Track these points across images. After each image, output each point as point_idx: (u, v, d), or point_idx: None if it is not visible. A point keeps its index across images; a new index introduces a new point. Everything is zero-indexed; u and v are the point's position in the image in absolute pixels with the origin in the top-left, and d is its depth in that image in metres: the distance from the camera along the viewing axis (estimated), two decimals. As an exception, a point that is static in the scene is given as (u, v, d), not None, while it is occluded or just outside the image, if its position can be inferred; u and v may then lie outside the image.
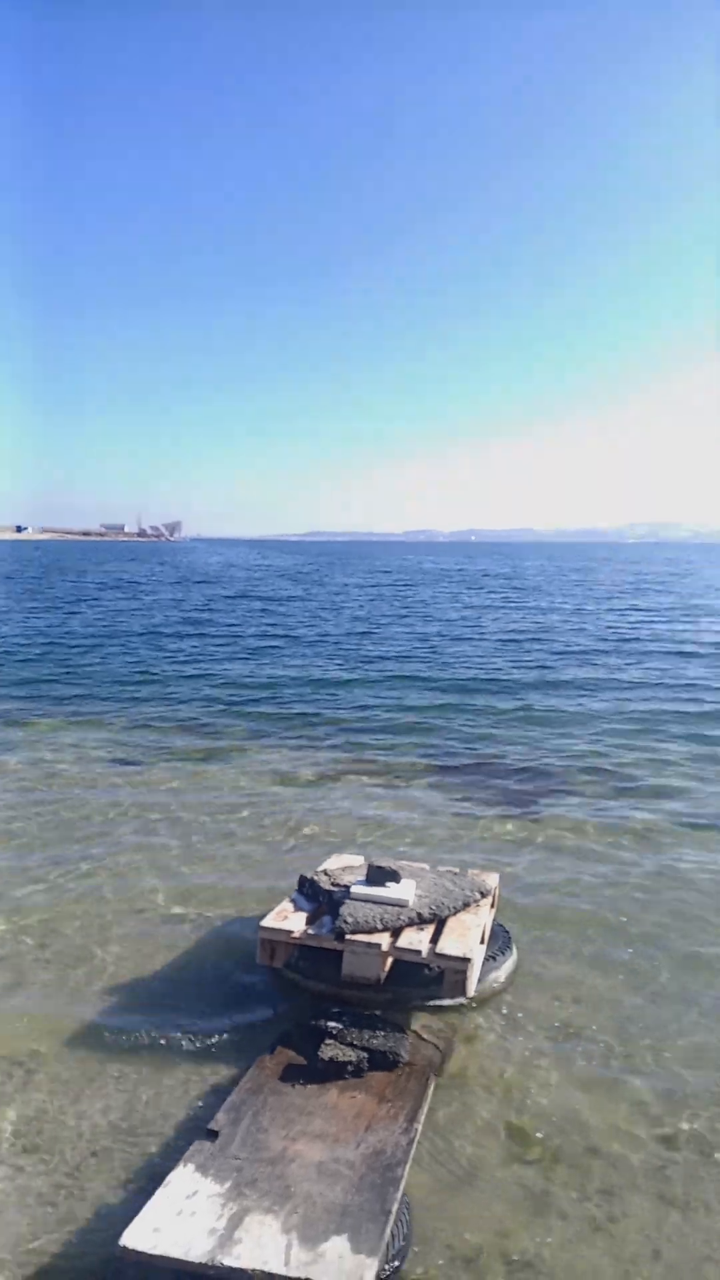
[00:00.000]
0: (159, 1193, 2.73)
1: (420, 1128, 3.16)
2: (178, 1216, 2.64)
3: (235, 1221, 2.63)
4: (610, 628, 22.27)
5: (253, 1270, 2.43)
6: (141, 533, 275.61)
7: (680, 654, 17.22)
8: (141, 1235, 2.55)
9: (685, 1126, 3.38)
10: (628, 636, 20.22)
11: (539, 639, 19.51)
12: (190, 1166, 2.88)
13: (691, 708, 11.63)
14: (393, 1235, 2.67)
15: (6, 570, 54.64)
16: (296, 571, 54.30)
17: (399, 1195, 2.79)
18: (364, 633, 20.45)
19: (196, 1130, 3.17)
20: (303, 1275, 2.42)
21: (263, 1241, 2.55)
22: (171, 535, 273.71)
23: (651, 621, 24.00)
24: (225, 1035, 3.94)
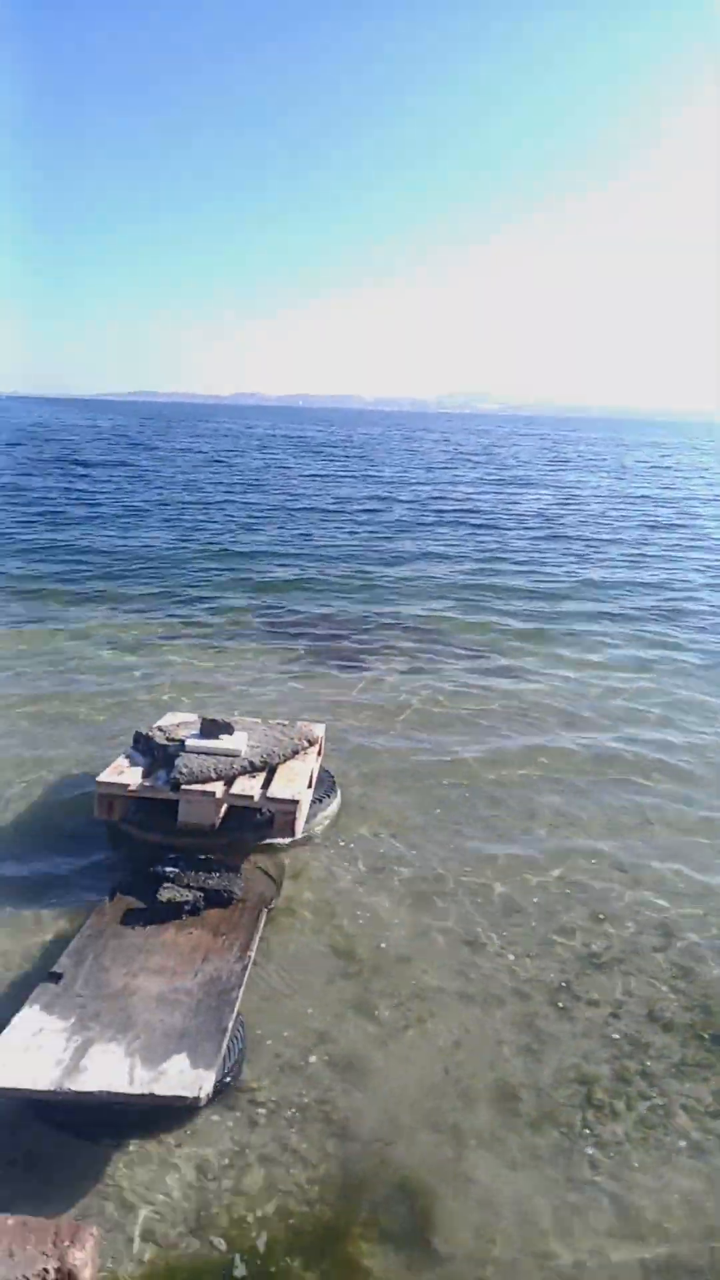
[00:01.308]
0: (5, 1033, 2.75)
1: (253, 955, 3.31)
2: (24, 1052, 2.67)
3: (80, 1052, 2.69)
4: (436, 498, 22.67)
5: (98, 1092, 2.52)
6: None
7: (496, 525, 17.83)
8: (-12, 1072, 2.57)
9: (486, 934, 3.72)
10: (453, 508, 20.66)
11: (374, 510, 19.58)
12: (35, 1007, 2.91)
13: (520, 581, 12.05)
14: (228, 1050, 2.82)
15: None
16: (120, 436, 51.46)
17: (234, 1015, 2.93)
18: (196, 503, 19.82)
19: (41, 977, 3.18)
20: (146, 1091, 2.53)
21: (108, 1067, 2.63)
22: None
23: (477, 494, 24.60)
24: (65, 889, 3.93)
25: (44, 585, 10.12)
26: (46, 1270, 2.06)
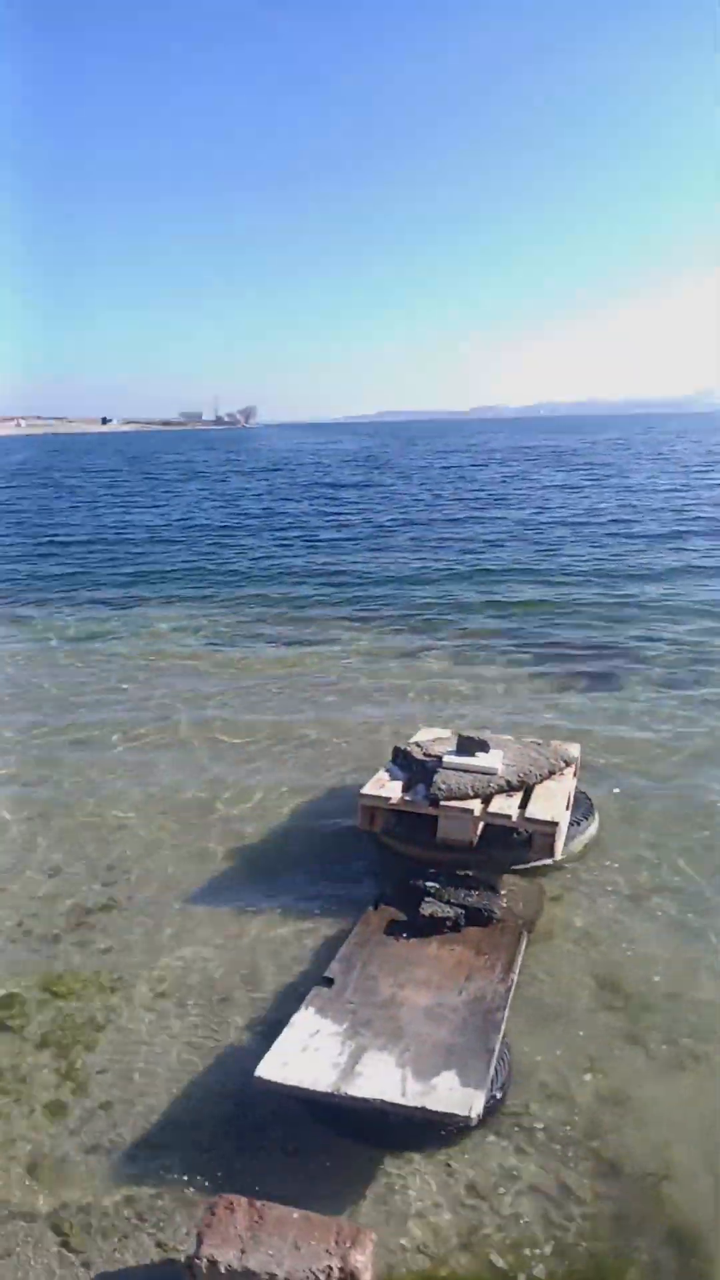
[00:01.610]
0: (285, 1032, 2.92)
1: (516, 977, 3.28)
2: (303, 1052, 2.82)
3: (355, 1057, 2.80)
4: (690, 505, 21.47)
5: (374, 1099, 2.61)
6: (218, 420, 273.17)
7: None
8: (273, 1068, 2.74)
9: (765, 977, 3.45)
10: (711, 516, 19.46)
11: (620, 520, 18.88)
12: (311, 1010, 3.06)
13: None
14: (495, 1071, 2.81)
15: (89, 463, 55.02)
16: (365, 456, 53.32)
17: (500, 1036, 2.92)
18: (442, 520, 20.08)
19: (310, 979, 3.35)
20: (418, 1105, 2.59)
21: (380, 1075, 2.72)
22: (246, 421, 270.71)
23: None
24: (330, 895, 4.12)
25: (301, 609, 10.70)
26: (330, 1268, 2.15)
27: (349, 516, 20.27)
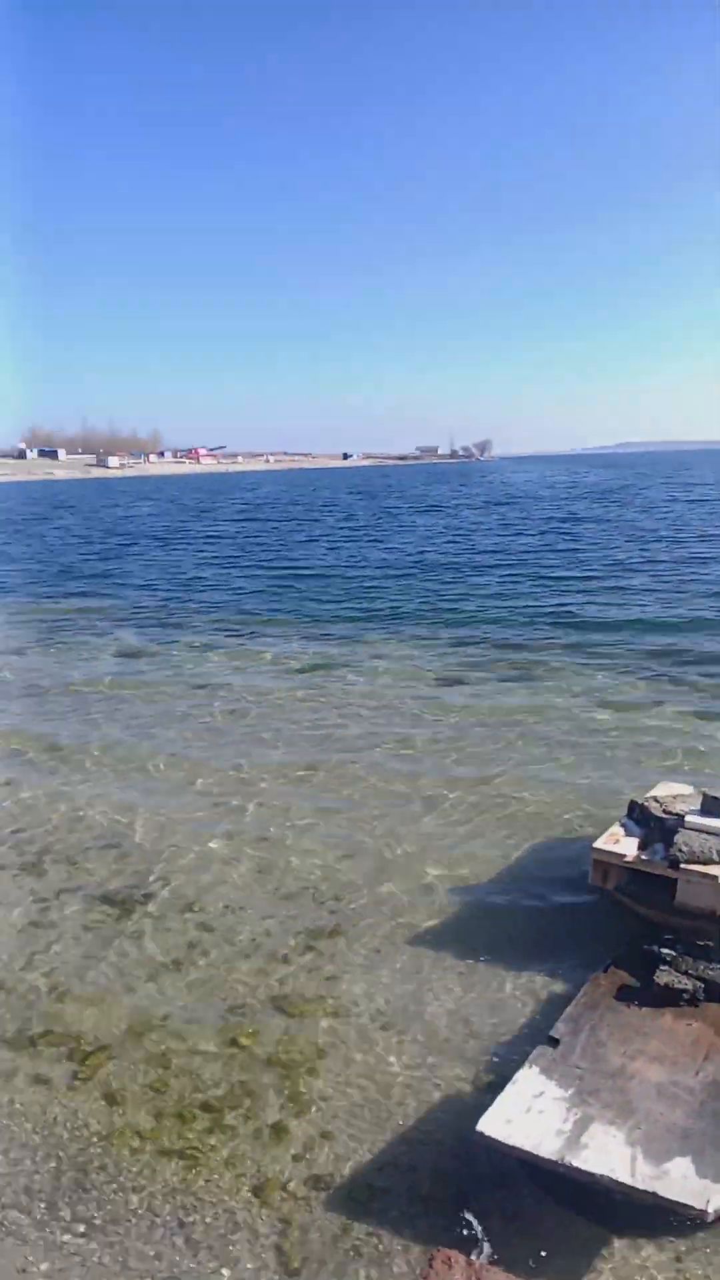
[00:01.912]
0: (508, 1089, 2.86)
1: (762, 1066, 3.02)
2: (526, 1113, 2.75)
3: (580, 1127, 2.70)
4: None
5: (602, 1176, 2.49)
6: (453, 454, 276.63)
7: None
8: (495, 1125, 2.69)
9: None
10: None
11: None
12: (535, 1069, 2.98)
13: None
14: (737, 1167, 2.60)
15: (328, 497, 57.53)
16: (603, 490, 51.84)
17: (743, 1129, 2.70)
18: (688, 559, 19.12)
19: (533, 1035, 3.27)
20: (649, 1189, 2.45)
21: (608, 1150, 2.59)
22: (481, 455, 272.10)
23: None
24: (555, 950, 4.00)
25: (531, 652, 10.55)
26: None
27: (584, 553, 19.78)
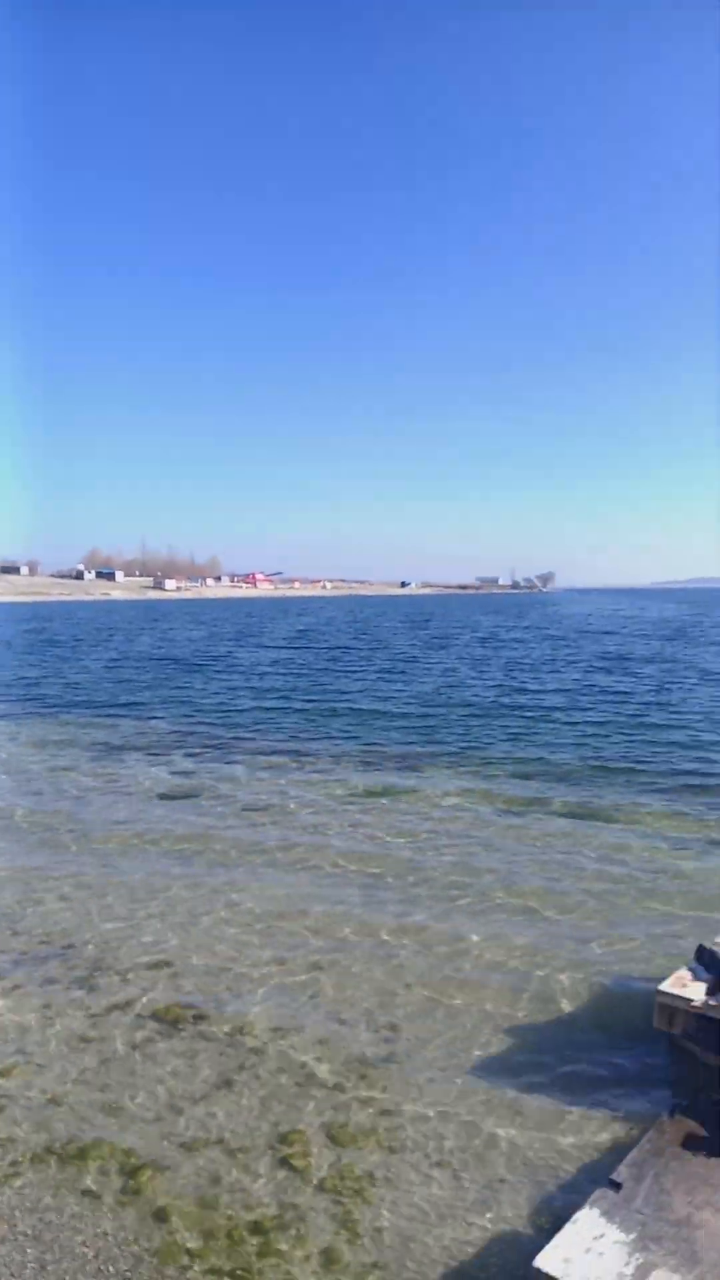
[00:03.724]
0: (568, 1227, 2.90)
1: None
2: (585, 1254, 2.78)
3: (642, 1272, 2.71)
4: None
5: (662, 1323, 2.51)
6: (514, 585, 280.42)
7: None
8: (553, 1262, 2.73)
9: None
10: None
11: None
12: (595, 1210, 3.01)
13: None
14: None
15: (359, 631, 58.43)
16: (674, 626, 51.82)
17: None
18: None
19: (592, 1179, 3.29)
20: (713, 1342, 2.45)
21: (670, 1297, 2.61)
22: (544, 586, 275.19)
23: None
24: (619, 1094, 4.01)
25: (585, 779, 10.61)
26: None
27: (664, 695, 19.80)
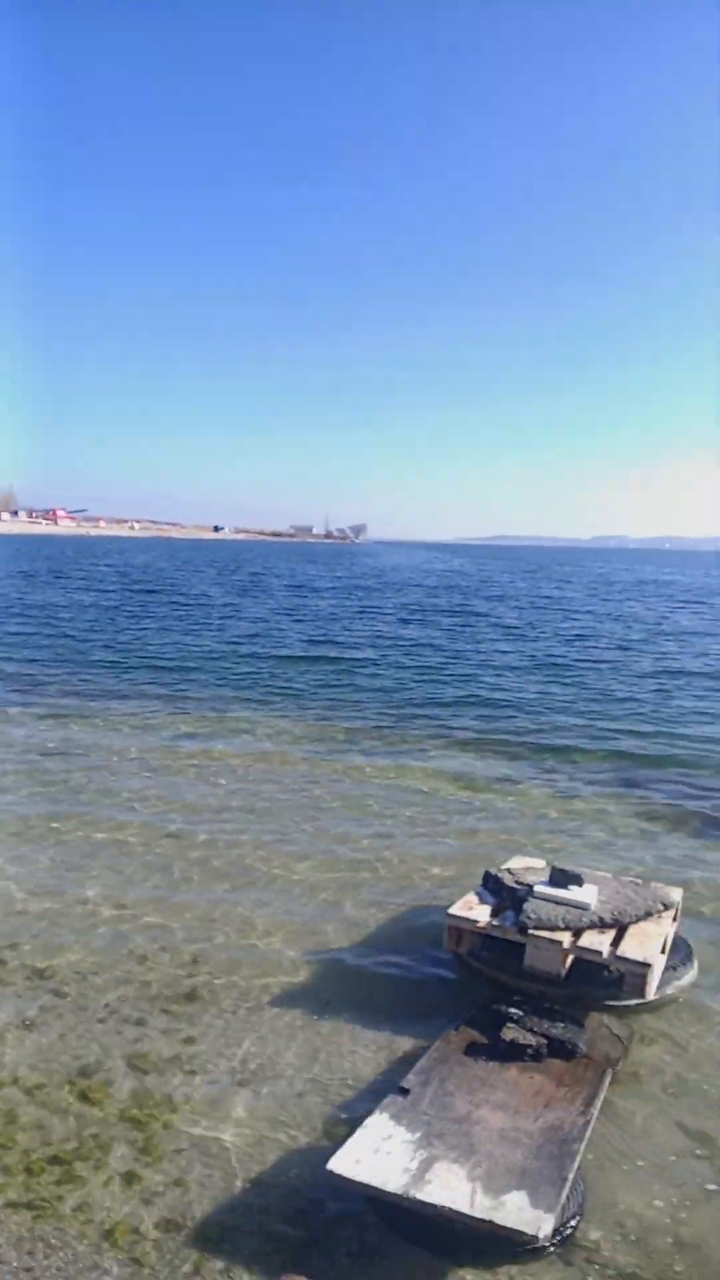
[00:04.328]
0: (359, 1132, 3.12)
1: (596, 1113, 3.38)
2: (375, 1154, 3.01)
3: (425, 1166, 2.97)
4: None
5: (442, 1206, 2.76)
6: (328, 534, 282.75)
7: None
8: (345, 1163, 2.94)
9: None
10: None
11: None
12: (385, 1115, 3.25)
13: None
14: (568, 1200, 2.92)
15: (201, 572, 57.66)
16: (481, 579, 54.23)
17: (575, 1167, 3.04)
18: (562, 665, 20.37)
19: (386, 1088, 3.53)
20: (486, 1217, 2.73)
21: (450, 1185, 2.87)
22: (356, 538, 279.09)
23: None
24: (411, 1011, 4.30)
25: (406, 716, 11.07)
26: None
27: (455, 645, 20.74)
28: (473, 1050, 3.79)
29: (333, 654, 17.33)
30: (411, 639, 20.60)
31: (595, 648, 20.06)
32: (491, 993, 4.30)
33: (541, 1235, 2.69)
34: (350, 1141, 3.05)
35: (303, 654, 17.33)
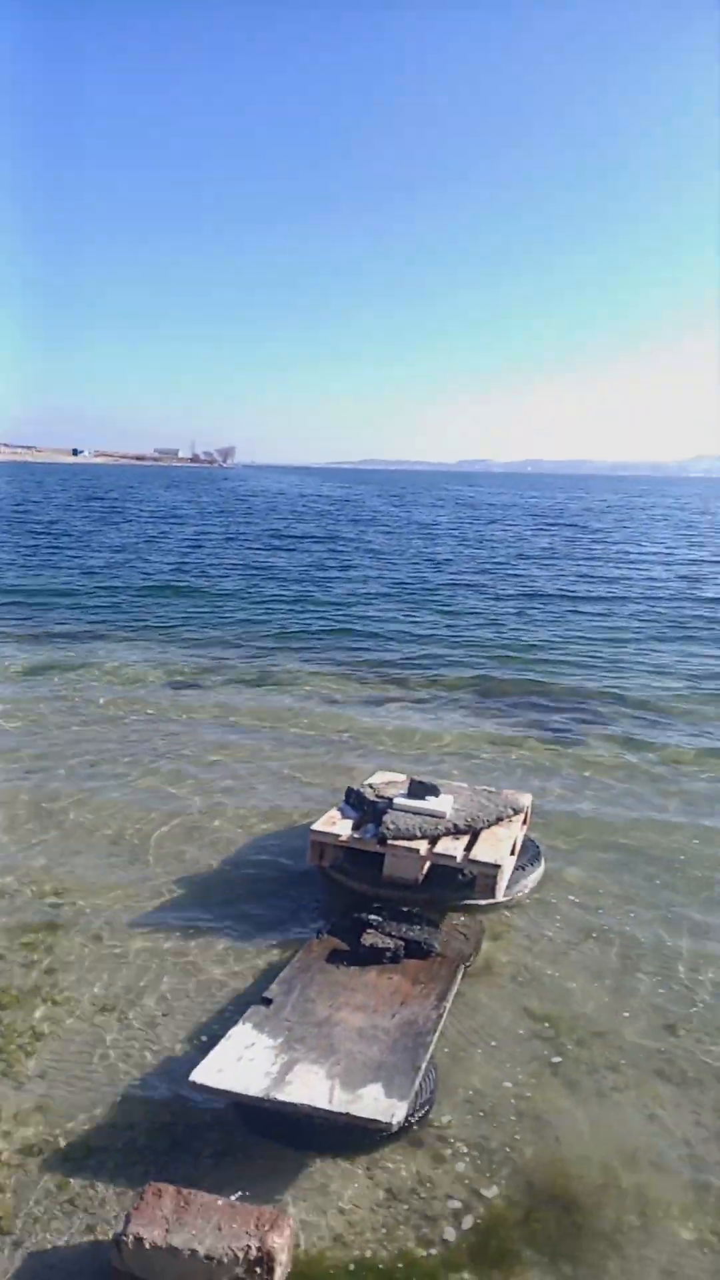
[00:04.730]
0: (222, 1043, 3.21)
1: (449, 1005, 3.59)
2: (238, 1061, 3.11)
3: (286, 1068, 3.09)
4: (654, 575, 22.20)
5: (301, 1104, 2.90)
6: (195, 458, 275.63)
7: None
8: (208, 1074, 3.02)
9: (688, 1015, 3.79)
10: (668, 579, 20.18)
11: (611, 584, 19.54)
12: (248, 1025, 3.35)
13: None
14: (421, 1087, 3.11)
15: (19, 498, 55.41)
16: (339, 500, 54.25)
17: (428, 1056, 3.23)
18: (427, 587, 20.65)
19: (253, 1001, 3.63)
20: (343, 1110, 2.88)
21: (310, 1085, 3.01)
22: (224, 461, 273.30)
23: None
24: (277, 926, 4.42)
25: (274, 643, 11.10)
26: (248, 1247, 2.44)
27: (324, 573, 20.77)
28: (334, 957, 3.93)
29: (199, 584, 17.07)
30: (280, 567, 20.50)
31: (461, 571, 20.51)
32: (353, 902, 4.45)
33: (395, 1121, 2.86)
34: (213, 1052, 3.14)
35: (166, 583, 17.01)
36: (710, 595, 17.42)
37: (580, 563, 23.08)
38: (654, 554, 26.24)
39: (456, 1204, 2.77)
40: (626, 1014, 3.80)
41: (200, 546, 24.74)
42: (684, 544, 30.62)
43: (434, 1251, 2.60)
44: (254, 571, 19.36)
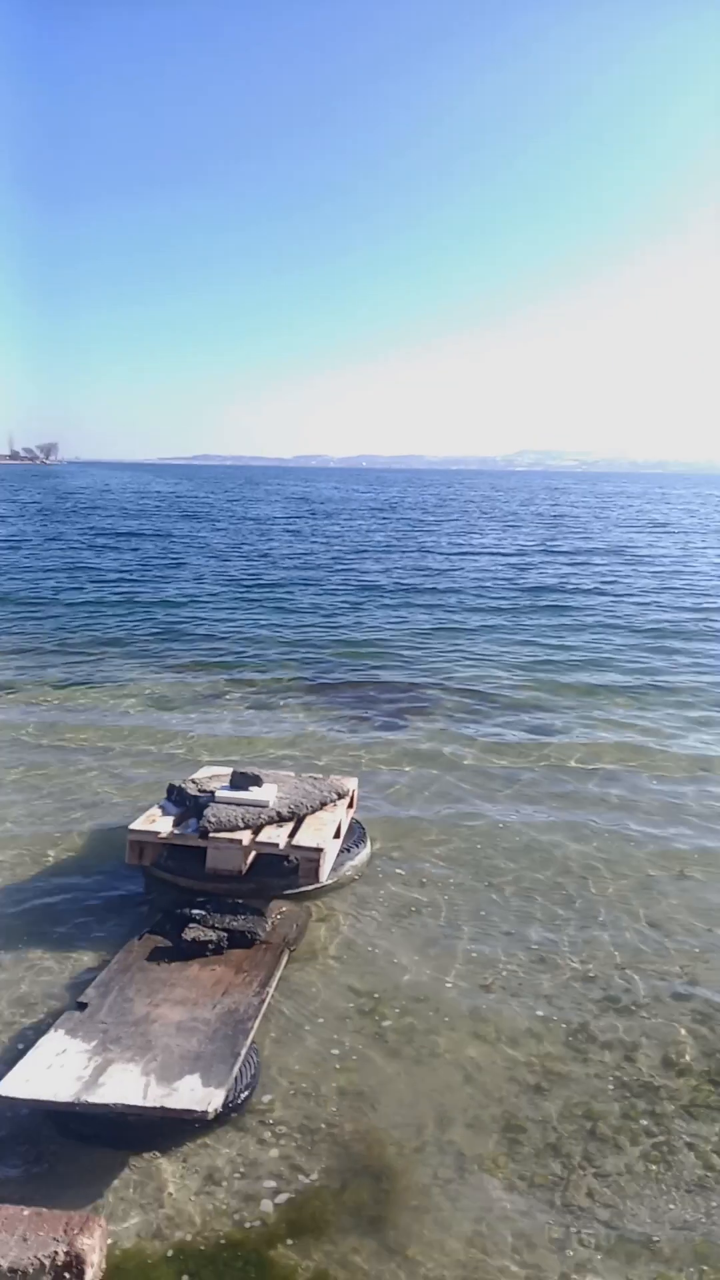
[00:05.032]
0: (31, 1053, 3.11)
1: (271, 991, 3.62)
2: (48, 1070, 3.02)
3: (100, 1070, 3.03)
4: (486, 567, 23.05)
5: (113, 1104, 2.85)
6: (14, 455, 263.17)
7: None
8: (15, 1085, 2.92)
9: (503, 979, 3.97)
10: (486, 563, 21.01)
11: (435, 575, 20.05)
12: (60, 1032, 3.27)
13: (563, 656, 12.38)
14: (240, 1073, 3.12)
15: None
16: (178, 498, 53.39)
17: (248, 1042, 3.24)
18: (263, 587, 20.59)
19: (69, 1007, 3.54)
20: (157, 1105, 2.86)
21: (124, 1083, 2.96)
22: (47, 458, 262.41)
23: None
24: (97, 929, 4.31)
25: (98, 646, 10.78)
26: (56, 1254, 2.38)
27: (141, 567, 20.36)
28: (155, 955, 3.89)
29: (13, 589, 16.26)
30: (105, 567, 19.92)
31: (296, 568, 20.58)
32: (173, 896, 4.41)
33: (211, 1109, 2.86)
34: (21, 1063, 3.04)
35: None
36: (533, 584, 18.22)
37: (413, 554, 23.65)
38: (482, 545, 27.20)
39: (274, 1183, 2.80)
40: (443, 979, 3.94)
41: (17, 549, 23.68)
42: (511, 534, 31.91)
43: (252, 1229, 2.62)
44: (78, 571, 18.74)
